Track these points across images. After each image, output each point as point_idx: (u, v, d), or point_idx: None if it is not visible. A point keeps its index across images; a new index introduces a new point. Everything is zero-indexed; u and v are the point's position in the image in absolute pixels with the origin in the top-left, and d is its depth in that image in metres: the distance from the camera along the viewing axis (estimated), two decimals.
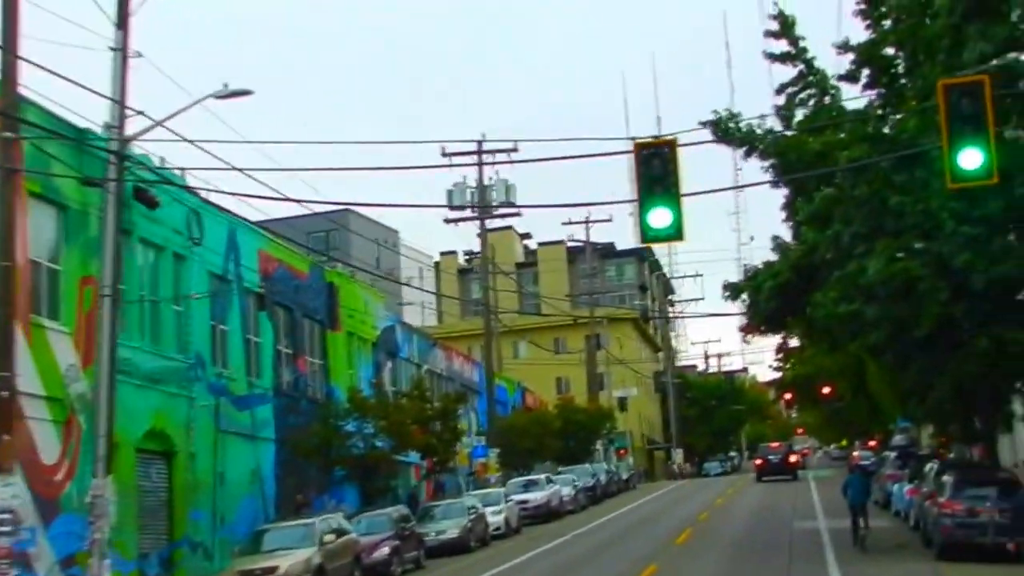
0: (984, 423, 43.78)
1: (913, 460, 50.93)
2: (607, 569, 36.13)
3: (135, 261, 40.99)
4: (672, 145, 23.25)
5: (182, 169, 41.80)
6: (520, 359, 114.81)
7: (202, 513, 43.85)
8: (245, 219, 44.28)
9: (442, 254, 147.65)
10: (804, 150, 36.70)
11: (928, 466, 42.00)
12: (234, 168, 30.39)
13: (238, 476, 46.94)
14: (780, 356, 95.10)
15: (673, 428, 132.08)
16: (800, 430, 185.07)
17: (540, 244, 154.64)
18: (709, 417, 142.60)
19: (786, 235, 42.45)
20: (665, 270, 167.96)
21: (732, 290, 40.66)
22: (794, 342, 60.88)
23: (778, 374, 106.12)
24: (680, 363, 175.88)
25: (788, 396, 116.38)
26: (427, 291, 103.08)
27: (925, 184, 34.49)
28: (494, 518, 52.72)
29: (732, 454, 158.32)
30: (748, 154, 38.60)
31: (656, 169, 22.87)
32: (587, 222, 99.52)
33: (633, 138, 23.63)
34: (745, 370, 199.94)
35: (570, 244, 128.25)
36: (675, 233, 22.94)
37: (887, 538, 40.22)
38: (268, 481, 49.68)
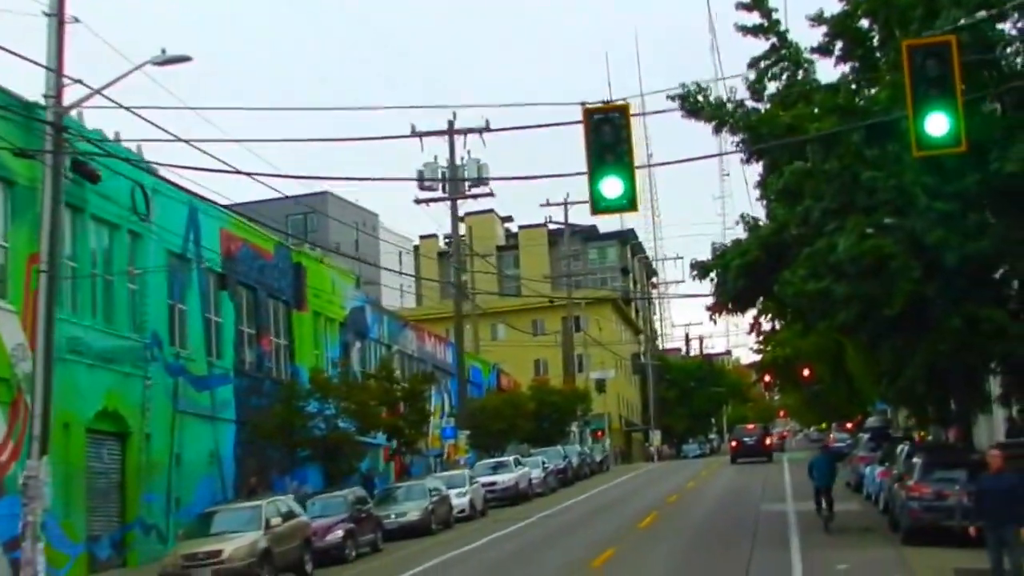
0: (959, 404, 42.46)
1: (886, 442, 49.76)
2: (565, 553, 34.83)
3: (87, 238, 39.61)
4: (624, 111, 21.87)
5: (138, 144, 40.51)
6: (498, 341, 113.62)
7: (156, 495, 42.62)
8: (210, 200, 42.82)
9: (422, 237, 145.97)
10: (775, 124, 35.38)
11: (899, 448, 40.79)
12: (186, 141, 29.01)
13: (196, 457, 45.69)
14: (758, 338, 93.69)
15: (651, 410, 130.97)
16: (782, 412, 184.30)
17: (521, 227, 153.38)
18: (688, 399, 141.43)
19: (763, 215, 41.13)
20: (649, 253, 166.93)
21: (700, 269, 39.21)
22: (769, 325, 59.66)
23: (758, 356, 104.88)
24: (666, 346, 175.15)
25: (767, 378, 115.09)
26: (403, 273, 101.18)
27: (898, 158, 33.15)
28: (458, 500, 51.37)
29: (712, 436, 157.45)
30: (718, 129, 37.25)
31: (607, 136, 21.53)
32: (565, 203, 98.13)
33: (584, 103, 22.19)
34: (728, 353, 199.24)
35: (551, 227, 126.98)
36: (627, 203, 21.59)
37: (855, 522, 39.18)
38: (227, 462, 48.43)
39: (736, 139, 37.24)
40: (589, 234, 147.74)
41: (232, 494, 46.62)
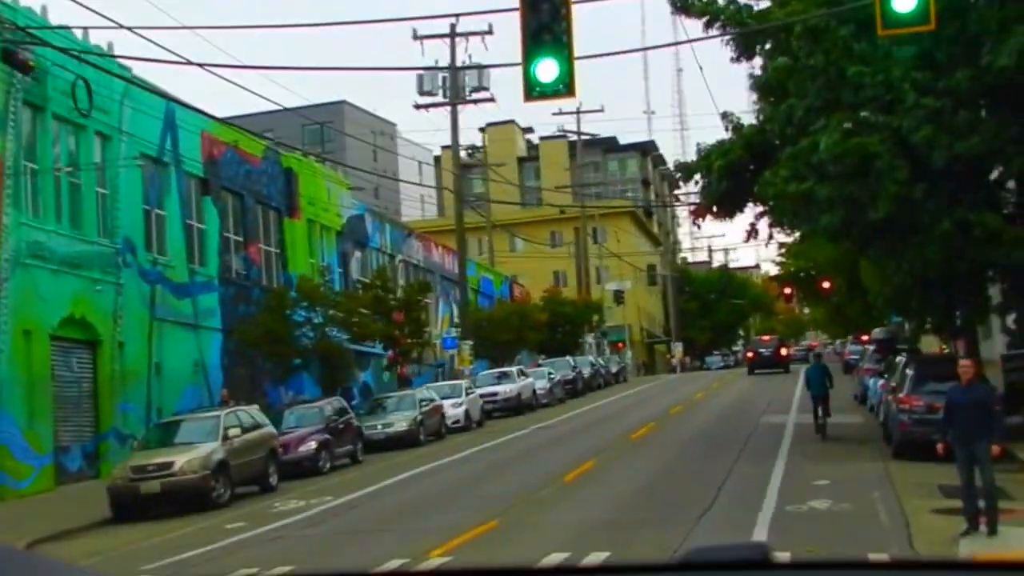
0: (962, 314, 40.64)
1: (891, 354, 48.10)
2: (543, 466, 33.37)
3: (47, 138, 38.00)
4: None
5: (109, 43, 38.89)
6: (517, 253, 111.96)
7: (134, 405, 41.34)
8: (186, 104, 41.33)
9: (443, 148, 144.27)
10: (767, 20, 33.54)
11: (899, 359, 39.14)
12: (129, 28, 27.35)
13: (178, 366, 44.38)
14: (780, 250, 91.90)
15: (672, 322, 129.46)
16: (812, 326, 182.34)
17: (542, 138, 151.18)
18: (710, 311, 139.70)
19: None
20: (670, 164, 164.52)
21: (683, 171, 37.36)
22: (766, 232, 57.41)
23: (781, 269, 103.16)
24: (696, 259, 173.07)
25: (788, 291, 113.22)
26: (408, 182, 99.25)
27: (887, 53, 31.39)
28: (453, 411, 50.08)
29: (736, 349, 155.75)
30: (708, 25, 35.40)
31: (545, 15, 19.77)
32: (578, 112, 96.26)
33: None
34: (757, 267, 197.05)
35: (572, 138, 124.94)
36: (563, 88, 19.83)
37: (852, 435, 37.75)
38: (214, 371, 47.17)
39: (727, 37, 35.56)
40: (609, 145, 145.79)
41: (220, 403, 45.29)
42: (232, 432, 31.81)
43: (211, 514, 29.10)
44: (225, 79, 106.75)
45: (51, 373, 37.24)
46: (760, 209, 37.73)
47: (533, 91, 19.92)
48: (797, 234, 46.32)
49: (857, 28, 30.96)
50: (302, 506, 28.99)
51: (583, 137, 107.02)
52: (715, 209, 36.94)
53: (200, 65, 31.22)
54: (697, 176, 36.80)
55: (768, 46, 35.52)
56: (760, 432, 39.75)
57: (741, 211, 37.63)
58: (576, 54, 19.86)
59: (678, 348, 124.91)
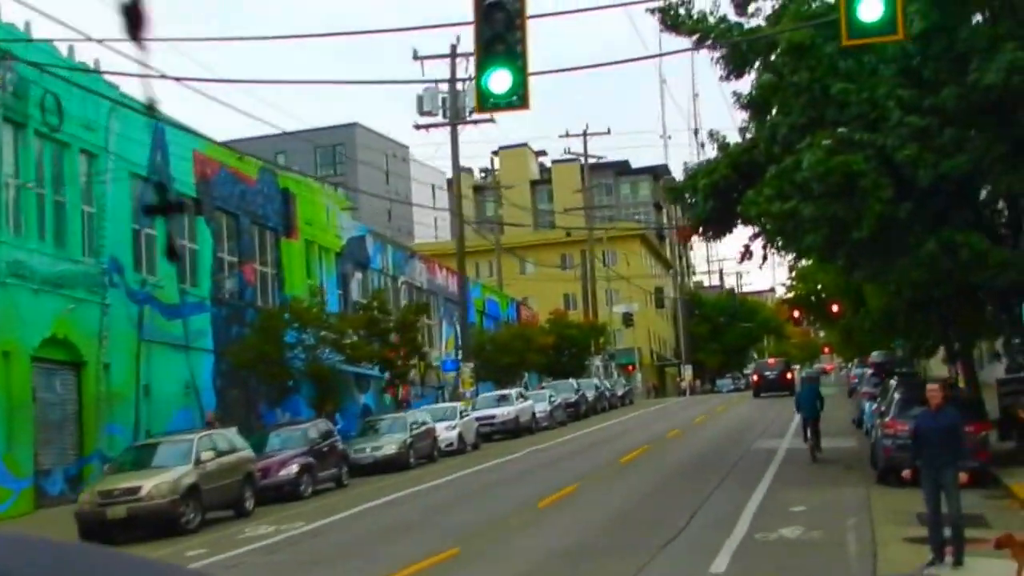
0: (959, 338, 39.64)
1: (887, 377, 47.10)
2: (522, 492, 32.38)
3: (29, 156, 37.19)
4: None
5: (96, 60, 38.11)
6: (527, 275, 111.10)
7: (120, 427, 40.39)
8: (176, 123, 40.44)
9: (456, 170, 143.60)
10: (758, 39, 32.69)
11: (891, 382, 38.16)
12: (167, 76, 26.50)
13: (168, 388, 43.50)
14: (790, 273, 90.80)
15: (682, 345, 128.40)
16: (826, 348, 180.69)
17: (554, 162, 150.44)
18: (720, 334, 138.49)
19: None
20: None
21: (671, 191, 36.40)
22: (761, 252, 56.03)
23: (791, 292, 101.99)
24: (711, 283, 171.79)
25: (796, 314, 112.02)
26: (415, 204, 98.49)
27: (873, 71, 30.52)
28: (447, 434, 49.04)
29: (747, 371, 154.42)
30: (699, 44, 34.55)
31: (499, 24, 18.80)
32: (584, 135, 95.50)
33: None
34: (772, 290, 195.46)
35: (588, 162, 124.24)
36: (517, 99, 18.87)
37: (843, 459, 36.71)
38: (206, 393, 46.28)
39: (716, 55, 34.71)
40: (621, 169, 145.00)
41: (205, 424, 44.33)
42: (205, 456, 30.77)
43: (178, 540, 28.08)
44: (230, 106, 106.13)
45: (32, 395, 36.35)
46: (754, 230, 36.90)
47: (486, 102, 19.06)
48: (791, 256, 45.34)
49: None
50: (271, 532, 28.01)
51: (596, 160, 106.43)
52: (701, 229, 36.02)
53: (177, 79, 30.29)
54: (687, 196, 35.89)
55: (758, 64, 34.69)
56: (750, 456, 38.80)
57: (729, 231, 36.68)
58: (571, 71, 19.01)
59: (688, 371, 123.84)
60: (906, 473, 19.82)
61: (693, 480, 32.34)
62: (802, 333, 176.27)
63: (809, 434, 37.65)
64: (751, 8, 34.78)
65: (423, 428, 46.36)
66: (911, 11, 31.09)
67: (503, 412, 58.07)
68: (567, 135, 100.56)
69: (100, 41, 30.70)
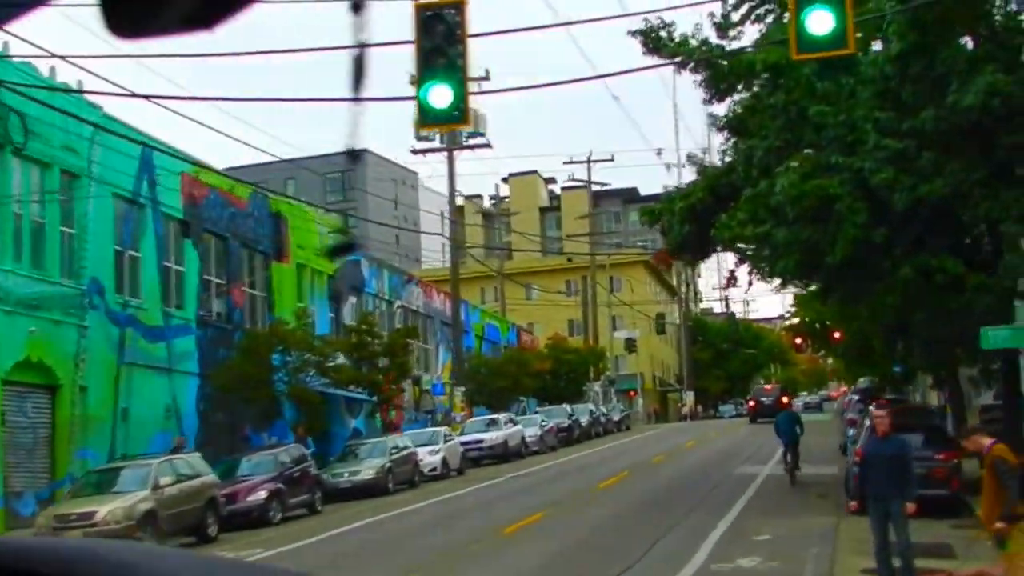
0: (942, 364, 38.48)
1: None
2: (494, 516, 31.42)
3: (7, 176, 36.25)
4: (460, 5, 18.08)
5: (79, 81, 37.18)
6: (532, 301, 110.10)
7: (95, 451, 39.22)
8: (160, 144, 39.49)
9: (466, 197, 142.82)
10: (739, 62, 31.63)
11: (870, 408, 37.10)
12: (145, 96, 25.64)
13: (147, 412, 42.34)
14: (794, 301, 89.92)
15: (684, 371, 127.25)
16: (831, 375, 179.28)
17: (564, 189, 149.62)
18: (724, 361, 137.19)
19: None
20: None
21: (649, 214, 35.34)
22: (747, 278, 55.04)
23: (796, 319, 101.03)
24: (721, 311, 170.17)
25: (799, 341, 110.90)
26: (407, 230, 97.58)
27: (852, 93, 29.47)
28: (430, 458, 47.76)
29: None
30: (680, 67, 33.55)
31: (439, 37, 17.79)
32: (589, 161, 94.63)
33: None
34: (782, 317, 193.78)
35: (595, 189, 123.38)
36: (457, 115, 17.89)
37: (820, 486, 35.57)
38: (189, 417, 45.14)
39: (698, 79, 33.65)
40: (629, 196, 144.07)
41: (194, 448, 43.20)
42: (164, 481, 29.70)
43: None
44: (231, 137, 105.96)
45: (2, 418, 35.30)
46: (737, 256, 35.91)
47: (426, 117, 18.05)
48: (778, 281, 44.32)
49: (822, 66, 29.12)
50: None
51: (601, 187, 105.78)
52: (678, 253, 34.95)
53: (146, 97, 29.30)
54: (664, 219, 34.82)
55: (741, 87, 33.70)
56: (730, 482, 37.80)
57: (707, 256, 35.65)
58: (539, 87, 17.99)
59: (689, 397, 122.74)
60: (853, 504, 18.83)
61: (665, 507, 31.35)
62: (809, 360, 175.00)
63: (790, 459, 37.27)
64: (733, 32, 33.83)
65: (403, 453, 45.16)
66: (889, 32, 30.23)
67: (491, 437, 56.89)
68: (571, 162, 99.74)
69: (64, 58, 29.65)
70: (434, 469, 47.71)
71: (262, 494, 34.91)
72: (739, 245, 32.03)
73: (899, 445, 18.36)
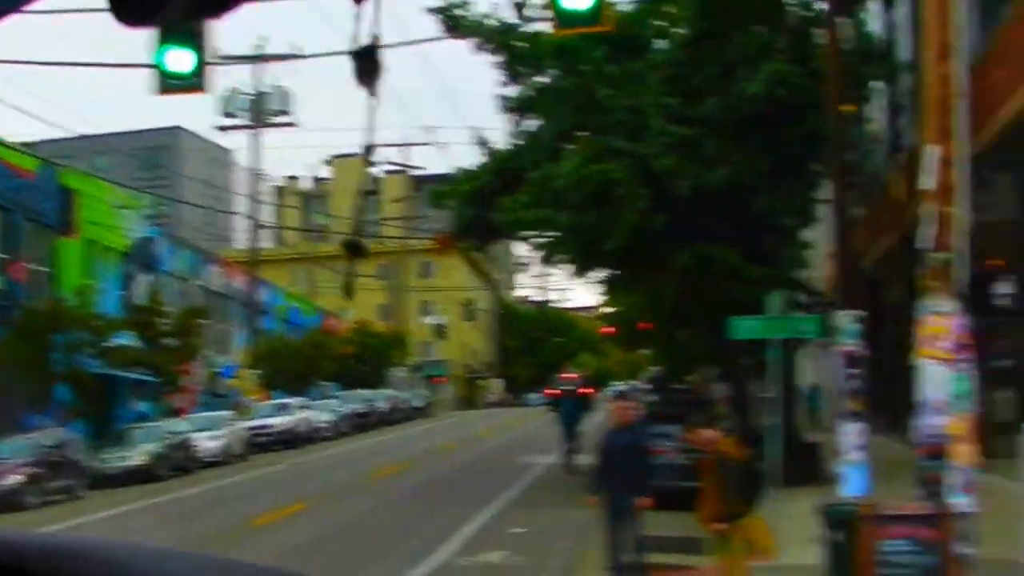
0: (726, 354, 37.45)
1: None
2: (249, 507, 29.49)
3: None
4: None
5: None
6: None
7: None
8: None
9: (287, 178, 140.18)
10: (538, 43, 29.93)
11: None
12: None
13: None
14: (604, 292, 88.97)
15: (492, 358, 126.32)
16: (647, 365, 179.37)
17: (387, 172, 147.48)
18: (535, 349, 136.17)
19: None
20: None
21: (435, 196, 33.70)
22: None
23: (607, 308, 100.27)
24: (541, 299, 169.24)
25: (611, 330, 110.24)
26: (219, 211, 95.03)
27: (641, 77, 28.19)
28: (209, 444, 45.25)
29: None
30: (479, 47, 31.78)
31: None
32: (401, 144, 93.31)
33: None
34: (597, 307, 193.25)
35: (416, 173, 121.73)
36: (196, 81, 16.17)
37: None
38: None
39: (498, 61, 31.93)
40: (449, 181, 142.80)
41: None
42: None
43: None
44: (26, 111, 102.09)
45: None
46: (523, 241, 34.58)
47: (166, 83, 16.25)
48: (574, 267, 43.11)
49: (613, 49, 27.89)
50: None
51: (421, 171, 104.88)
52: (463, 237, 33.41)
53: None
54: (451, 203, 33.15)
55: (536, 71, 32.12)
56: (508, 471, 36.51)
57: (492, 240, 34.21)
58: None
59: (497, 384, 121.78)
60: (592, 499, 17.53)
61: (436, 497, 30.01)
62: (624, 350, 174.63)
63: (570, 445, 36.39)
64: (532, 13, 32.23)
65: (180, 438, 42.90)
66: (680, 16, 29.11)
67: (280, 421, 54.71)
68: (384, 144, 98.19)
69: None
70: (215, 455, 45.43)
71: (16, 478, 32.58)
72: (522, 231, 30.59)
73: (631, 436, 17.10)
